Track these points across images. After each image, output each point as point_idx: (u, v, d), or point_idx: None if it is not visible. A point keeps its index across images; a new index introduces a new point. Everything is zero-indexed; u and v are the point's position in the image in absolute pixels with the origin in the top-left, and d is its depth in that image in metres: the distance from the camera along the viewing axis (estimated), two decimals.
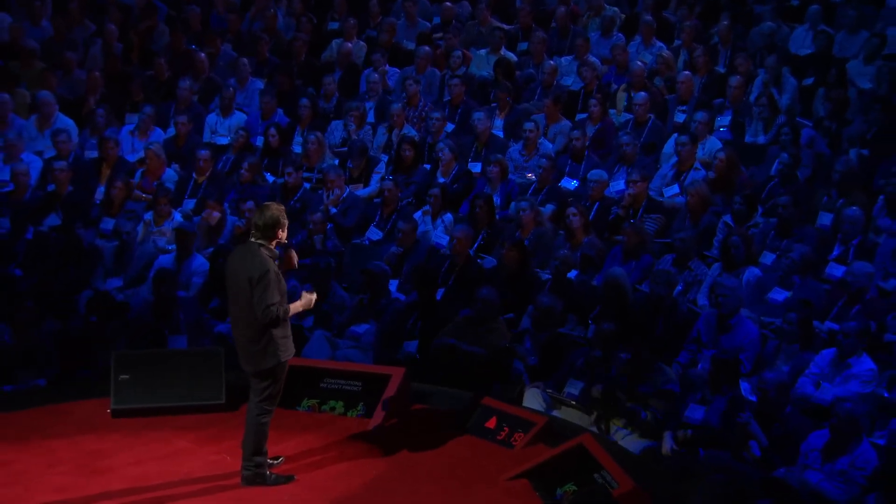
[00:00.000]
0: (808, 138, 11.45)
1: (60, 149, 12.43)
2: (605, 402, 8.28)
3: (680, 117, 12.22)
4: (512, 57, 13.75)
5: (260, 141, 12.74)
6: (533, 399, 8.56)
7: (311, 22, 15.05)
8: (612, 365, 8.47)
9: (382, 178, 11.79)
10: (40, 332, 9.39)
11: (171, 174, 12.23)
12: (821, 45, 12.93)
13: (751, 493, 7.23)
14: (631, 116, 12.35)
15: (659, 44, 13.72)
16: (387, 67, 13.93)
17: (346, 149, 12.44)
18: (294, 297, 7.46)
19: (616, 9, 14.50)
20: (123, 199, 11.69)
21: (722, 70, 13.00)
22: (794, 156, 10.83)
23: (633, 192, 10.77)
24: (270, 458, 7.36)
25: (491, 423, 8.05)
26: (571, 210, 10.39)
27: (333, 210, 11.32)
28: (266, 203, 7.25)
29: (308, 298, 7.31)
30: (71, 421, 8.23)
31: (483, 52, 13.93)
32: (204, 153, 12.05)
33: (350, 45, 14.30)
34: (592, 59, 13.31)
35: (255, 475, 7.20)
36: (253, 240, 7.08)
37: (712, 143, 11.54)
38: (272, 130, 12.59)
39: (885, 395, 8.16)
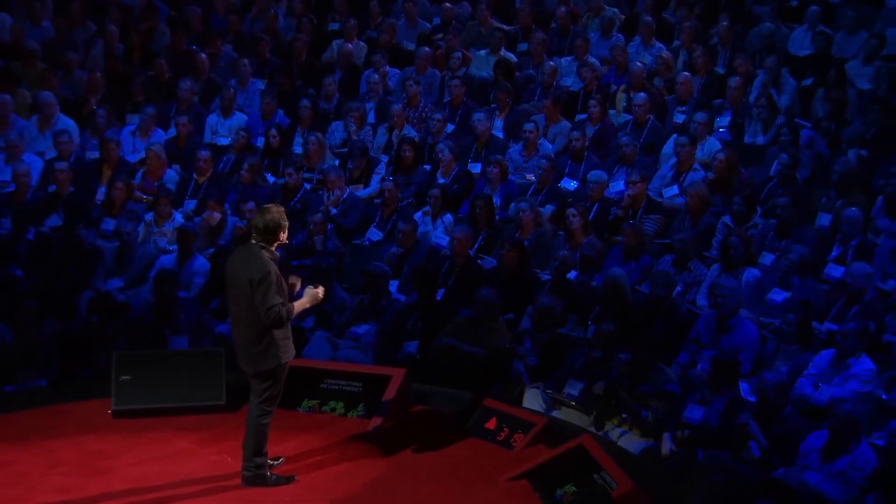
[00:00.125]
0: (808, 139, 11.45)
1: (61, 149, 12.41)
2: (607, 400, 8.29)
3: (679, 118, 12.21)
4: (512, 58, 13.75)
5: (260, 142, 12.74)
6: (533, 400, 8.57)
7: (311, 22, 15.04)
8: (612, 365, 8.48)
9: (383, 179, 11.80)
10: (41, 332, 9.39)
11: (171, 175, 12.23)
12: (820, 46, 12.92)
13: (750, 493, 7.23)
14: (630, 117, 12.35)
15: (658, 44, 13.73)
16: (387, 68, 13.93)
17: (346, 149, 12.44)
18: (294, 297, 7.45)
19: (616, 9, 14.50)
20: (124, 199, 11.69)
21: (721, 71, 13.00)
22: (794, 156, 10.84)
23: (632, 192, 10.77)
24: (271, 459, 7.37)
25: (491, 424, 8.06)
26: (571, 211, 10.40)
27: (334, 211, 11.32)
28: (266, 205, 7.24)
29: (314, 293, 7.29)
30: (72, 421, 8.23)
31: (483, 52, 13.94)
32: (204, 154, 12.05)
33: (350, 45, 14.30)
34: (592, 59, 13.32)
35: (256, 476, 7.21)
36: (254, 242, 7.10)
37: (712, 144, 11.55)
38: (273, 131, 12.59)
39: (884, 395, 8.15)
